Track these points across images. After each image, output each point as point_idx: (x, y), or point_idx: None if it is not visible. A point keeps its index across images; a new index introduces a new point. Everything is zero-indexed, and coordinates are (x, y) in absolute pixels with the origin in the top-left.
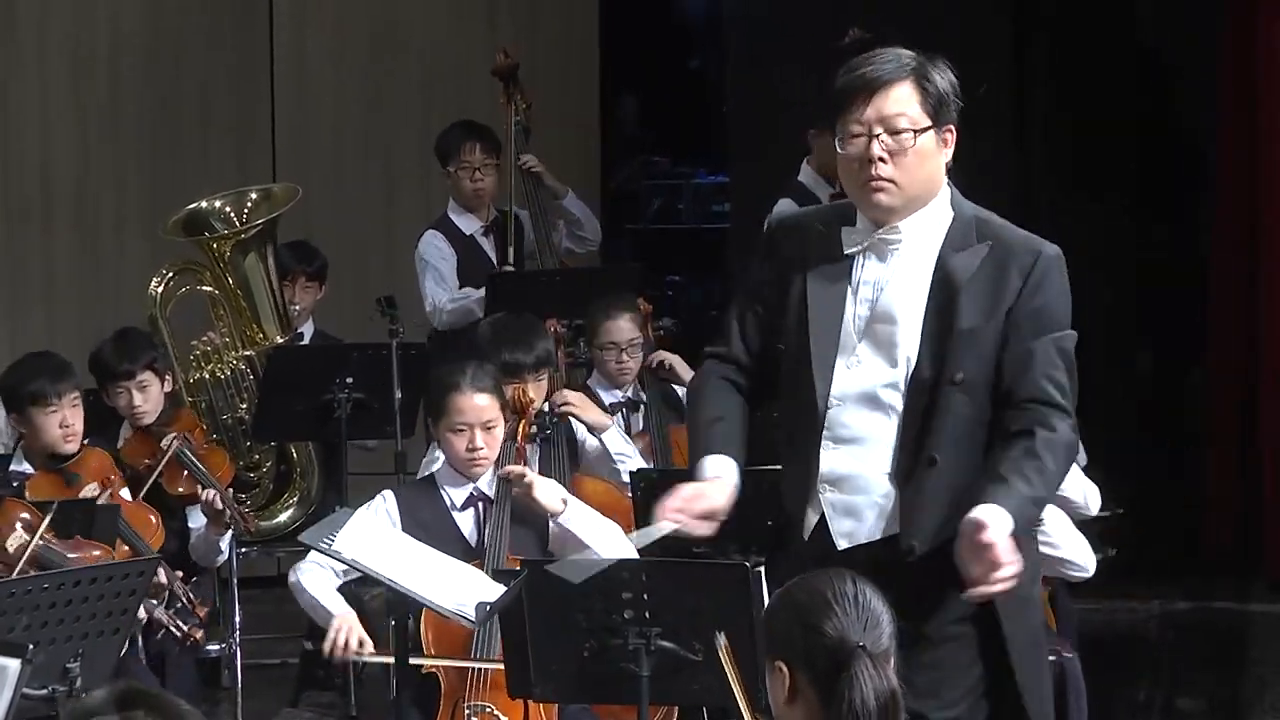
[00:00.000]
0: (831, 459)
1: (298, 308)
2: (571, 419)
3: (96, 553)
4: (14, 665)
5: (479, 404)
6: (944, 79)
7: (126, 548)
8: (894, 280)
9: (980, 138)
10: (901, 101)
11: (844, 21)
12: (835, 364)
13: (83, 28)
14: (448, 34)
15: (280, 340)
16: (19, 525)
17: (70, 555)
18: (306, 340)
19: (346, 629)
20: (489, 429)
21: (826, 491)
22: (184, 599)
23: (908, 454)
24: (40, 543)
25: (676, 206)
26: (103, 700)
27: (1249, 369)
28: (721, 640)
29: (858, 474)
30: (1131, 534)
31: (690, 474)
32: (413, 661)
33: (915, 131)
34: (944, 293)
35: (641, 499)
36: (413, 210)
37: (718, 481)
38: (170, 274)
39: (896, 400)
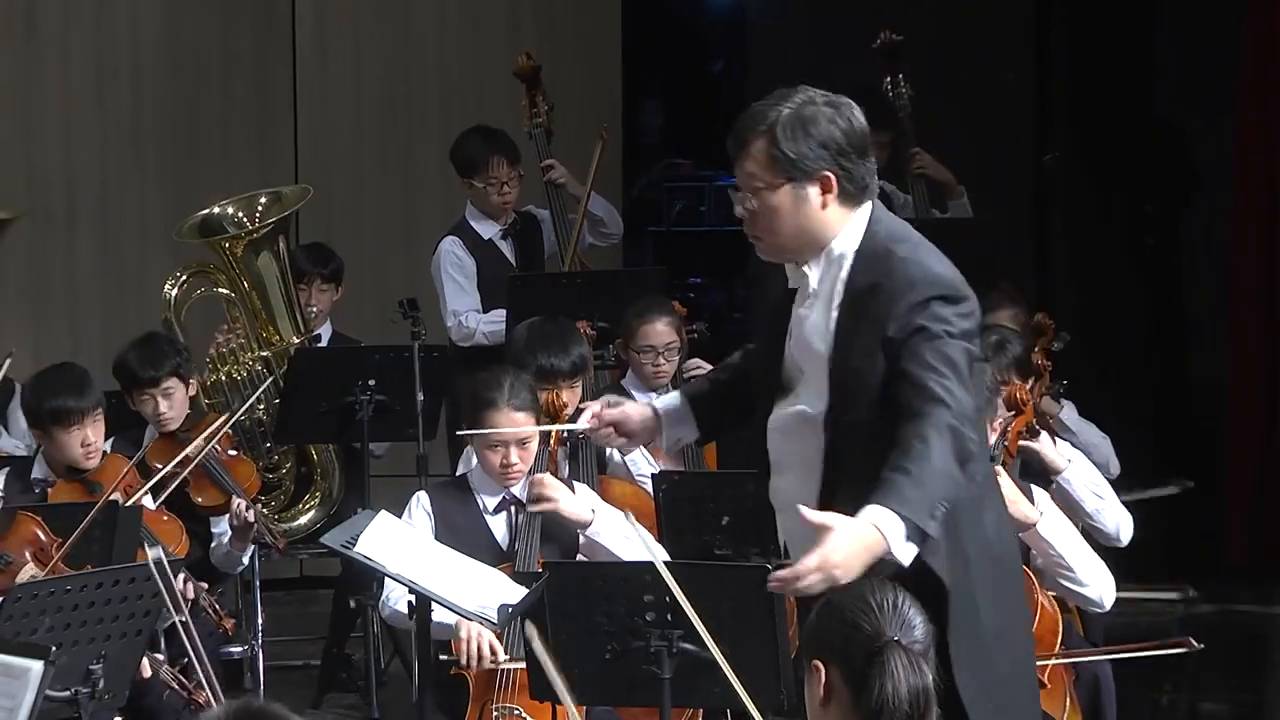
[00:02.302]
0: (774, 484)
1: (315, 310)
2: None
3: None
4: (37, 667)
5: (516, 422)
6: (803, 137)
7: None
8: (809, 318)
9: (1003, 136)
10: (754, 162)
11: (860, 24)
12: (778, 395)
13: (104, 37)
14: (468, 38)
15: (296, 341)
16: (28, 553)
17: None
18: (324, 342)
19: (478, 635)
20: (524, 444)
21: (778, 515)
22: (208, 609)
23: (823, 487)
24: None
25: (698, 209)
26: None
27: (1270, 370)
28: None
29: (792, 501)
30: (1153, 537)
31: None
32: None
33: (767, 189)
34: (841, 331)
35: (665, 500)
36: (433, 213)
37: (645, 406)
38: (184, 277)
39: (816, 433)
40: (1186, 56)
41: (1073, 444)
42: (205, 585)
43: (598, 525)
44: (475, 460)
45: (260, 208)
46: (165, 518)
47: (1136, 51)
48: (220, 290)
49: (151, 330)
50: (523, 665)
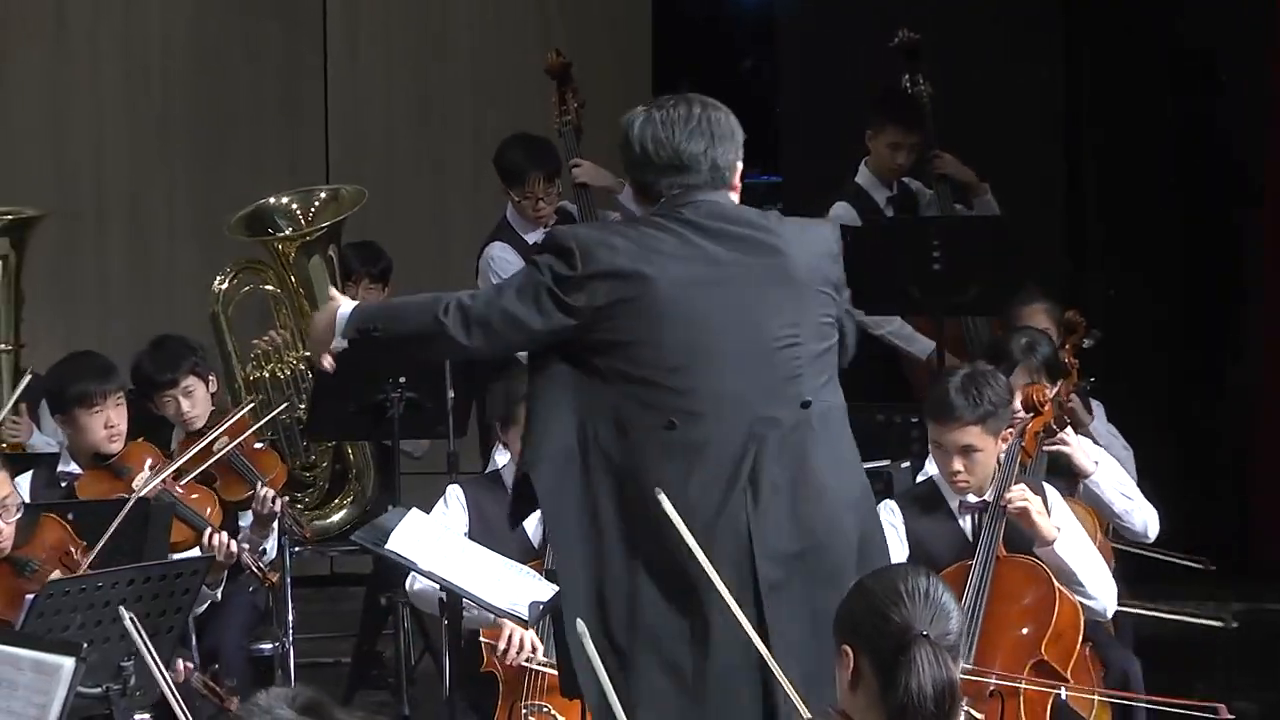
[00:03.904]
0: None
1: None
2: None
3: None
4: (69, 664)
5: None
6: None
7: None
8: None
9: (1032, 142)
10: None
11: (890, 22)
12: None
13: (134, 35)
14: (498, 37)
15: None
16: (54, 559)
17: None
18: None
19: (520, 630)
20: None
21: None
22: (253, 568)
23: None
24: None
25: None
26: (284, 698)
27: None
28: (661, 496)
29: None
30: (1183, 537)
31: None
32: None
33: None
34: None
35: None
36: (465, 213)
37: None
38: (234, 272)
39: None
40: (1217, 51)
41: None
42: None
43: None
44: (505, 458)
45: (317, 204)
46: (195, 494)
47: (1164, 47)
48: (267, 287)
49: (163, 334)
50: (553, 670)
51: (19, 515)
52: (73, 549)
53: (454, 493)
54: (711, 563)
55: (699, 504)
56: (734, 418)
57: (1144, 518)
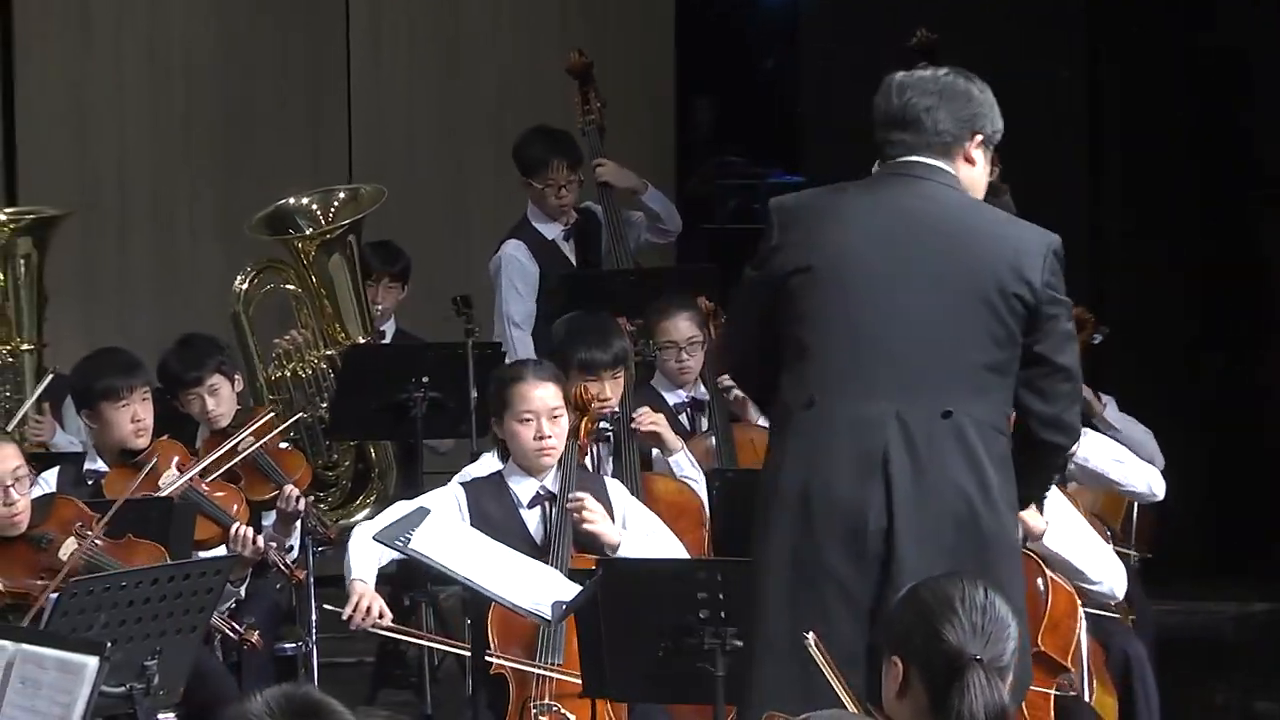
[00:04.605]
0: None
1: (380, 308)
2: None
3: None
4: (93, 663)
5: (544, 393)
6: None
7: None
8: None
9: (1053, 143)
10: None
11: (912, 21)
12: None
13: (157, 32)
14: (521, 36)
15: (362, 340)
16: (69, 529)
17: (117, 561)
18: (388, 340)
19: (368, 596)
20: (555, 419)
21: None
22: (280, 565)
23: None
24: (90, 550)
25: (752, 206)
26: (277, 707)
27: None
28: (811, 639)
29: None
30: (1207, 535)
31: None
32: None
33: None
34: None
35: (719, 498)
36: (487, 211)
37: None
38: (255, 272)
39: None
40: (1238, 50)
41: (1116, 439)
42: (274, 544)
43: (624, 550)
44: (484, 466)
45: (336, 203)
46: (221, 491)
47: (1184, 46)
48: (288, 287)
49: (189, 332)
50: (559, 675)
51: (34, 488)
52: (86, 520)
53: (452, 490)
54: (826, 538)
55: (829, 484)
56: (874, 409)
57: (1145, 479)
